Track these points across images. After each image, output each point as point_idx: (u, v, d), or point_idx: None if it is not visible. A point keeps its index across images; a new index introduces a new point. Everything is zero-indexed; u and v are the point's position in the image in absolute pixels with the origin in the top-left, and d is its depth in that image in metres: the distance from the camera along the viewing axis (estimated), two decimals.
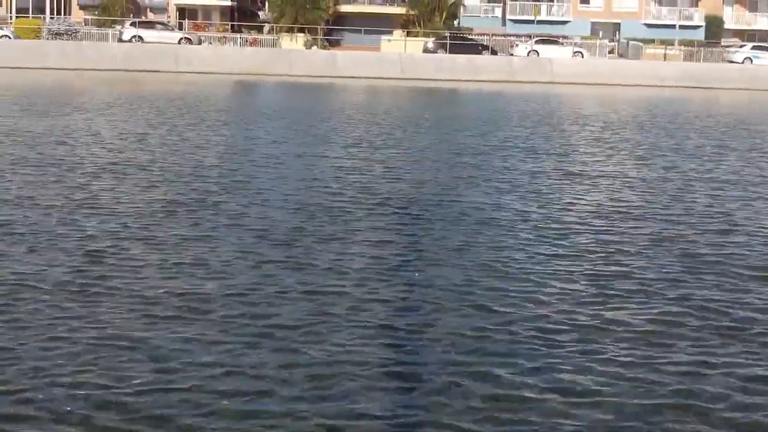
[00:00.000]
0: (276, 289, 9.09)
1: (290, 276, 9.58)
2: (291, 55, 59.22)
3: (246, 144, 20.74)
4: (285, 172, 16.44)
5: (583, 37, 68.21)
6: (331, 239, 11.28)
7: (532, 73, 57.50)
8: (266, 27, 70.51)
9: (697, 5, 74.48)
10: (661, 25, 72.86)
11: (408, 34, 64.66)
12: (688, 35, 69.66)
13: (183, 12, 75.55)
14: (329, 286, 9.29)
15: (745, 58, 61.99)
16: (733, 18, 75.06)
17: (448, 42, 61.52)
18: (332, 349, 7.55)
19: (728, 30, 73.37)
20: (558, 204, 14.36)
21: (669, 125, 29.64)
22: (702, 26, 72.61)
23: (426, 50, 61.70)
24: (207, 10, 76.75)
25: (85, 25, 66.82)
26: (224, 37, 66.05)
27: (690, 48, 65.29)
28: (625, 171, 18.50)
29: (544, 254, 10.98)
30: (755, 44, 65.20)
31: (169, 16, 74.50)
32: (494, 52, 62.68)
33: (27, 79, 45.84)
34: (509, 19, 74.77)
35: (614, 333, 8.27)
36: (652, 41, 66.94)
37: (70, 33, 62.64)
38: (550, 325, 8.41)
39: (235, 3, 76.45)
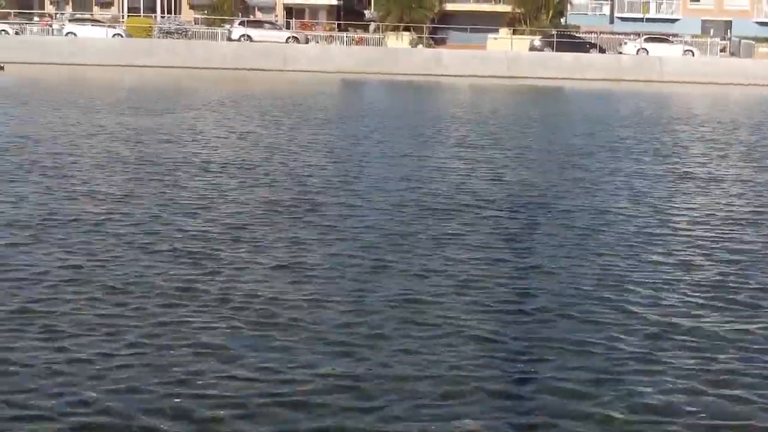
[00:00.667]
0: (377, 295, 8.81)
1: (391, 280, 9.33)
2: (396, 54, 59.30)
3: (350, 143, 20.70)
4: (388, 173, 16.25)
5: (693, 36, 66.76)
6: (432, 243, 11.00)
7: (640, 71, 56.53)
8: (372, 26, 70.71)
9: None
10: None
11: (514, 32, 64.15)
12: None
13: (290, 11, 76.25)
14: (431, 292, 9.00)
15: None
16: None
17: (555, 40, 60.86)
18: (430, 359, 7.24)
19: None
20: (669, 208, 13.92)
21: None
22: None
23: (533, 48, 61.14)
24: (314, 9, 77.30)
25: (195, 24, 67.93)
26: (330, 35, 66.46)
27: None
28: (739, 174, 17.95)
29: (655, 261, 10.52)
30: None
31: (277, 16, 75.27)
32: (602, 51, 61.77)
33: (138, 77, 46.80)
34: (617, 17, 73.66)
35: (734, 344, 7.85)
36: (765, 40, 65.19)
37: (180, 32, 63.73)
38: (667, 337, 7.97)
39: (342, 2, 76.88)
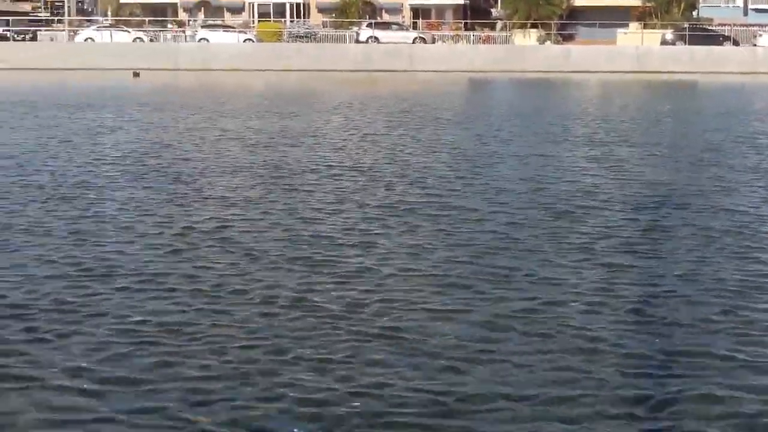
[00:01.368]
0: (497, 305, 8.41)
1: (513, 288, 8.96)
2: (524, 51, 58.86)
3: (476, 143, 20.52)
4: (515, 174, 15.91)
5: None
6: (558, 247, 10.53)
7: None
8: (499, 24, 70.34)
9: None
10: None
11: (644, 26, 62.94)
12: None
13: (417, 12, 76.39)
14: (556, 301, 8.54)
15: None
16: None
17: (687, 33, 59.46)
18: (555, 376, 6.81)
19: None
20: None
21: None
22: None
23: (664, 42, 59.86)
24: (440, 9, 77.29)
25: (324, 27, 68.66)
26: (457, 35, 66.32)
27: None
28: None
29: None
30: None
31: (404, 16, 75.52)
32: (736, 43, 60.08)
33: (268, 82, 47.56)
34: (751, 9, 71.56)
35: None
36: None
37: (309, 35, 64.54)
38: None
39: (468, 1, 76.67)
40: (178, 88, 44.03)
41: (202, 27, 68.23)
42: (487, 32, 66.88)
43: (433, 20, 75.09)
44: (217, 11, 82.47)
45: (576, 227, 11.62)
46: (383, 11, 77.70)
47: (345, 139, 20.88)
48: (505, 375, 6.77)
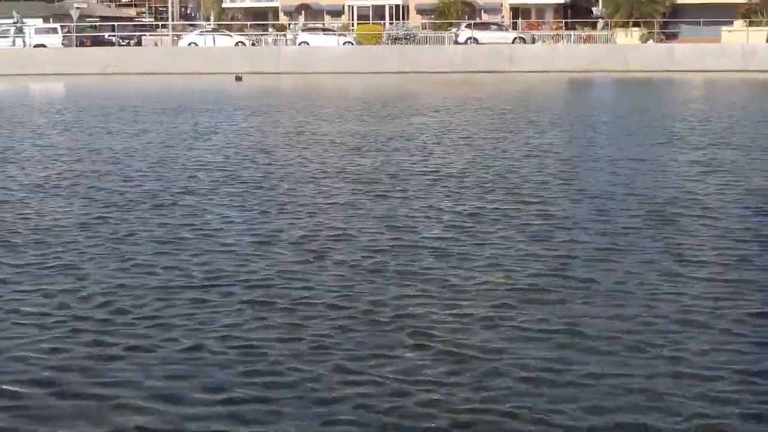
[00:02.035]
0: (592, 324, 7.94)
1: (612, 304, 8.47)
2: (626, 51, 58.08)
3: (577, 146, 20.19)
4: (617, 177, 15.56)
5: None
6: (662, 257, 10.06)
7: None
8: (600, 23, 69.57)
9: None
10: None
11: (750, 23, 61.55)
12: None
13: (516, 11, 76.03)
14: (661, 321, 8.00)
15: None
16: None
17: None
18: (669, 405, 6.55)
19: None
20: None
21: None
22: None
23: None
24: (540, 9, 76.81)
25: (423, 29, 68.78)
26: (558, 34, 65.83)
27: None
28: None
29: None
30: None
31: (503, 17, 75.22)
32: None
33: (369, 84, 47.80)
34: None
35: None
36: None
37: (408, 37, 64.71)
38: None
39: (568, 1, 75.99)
40: (279, 91, 44.55)
41: (303, 30, 68.94)
42: (588, 31, 66.23)
43: (533, 20, 74.66)
44: (317, 14, 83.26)
45: (680, 236, 11.14)
46: (482, 12, 77.47)
47: (442, 143, 20.80)
48: (593, 398, 6.45)
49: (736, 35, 60.02)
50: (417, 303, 8.47)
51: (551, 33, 67.60)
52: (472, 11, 76.78)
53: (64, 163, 17.95)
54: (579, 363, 7.03)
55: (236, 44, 64.27)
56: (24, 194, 14.19)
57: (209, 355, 7.17)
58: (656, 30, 63.74)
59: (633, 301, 8.52)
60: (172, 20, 79.36)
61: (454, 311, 8.22)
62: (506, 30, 67.13)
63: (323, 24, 76.63)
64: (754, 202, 13.49)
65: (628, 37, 62.46)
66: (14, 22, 71.78)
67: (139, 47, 68.36)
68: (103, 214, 12.47)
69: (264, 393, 6.45)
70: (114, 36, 70.80)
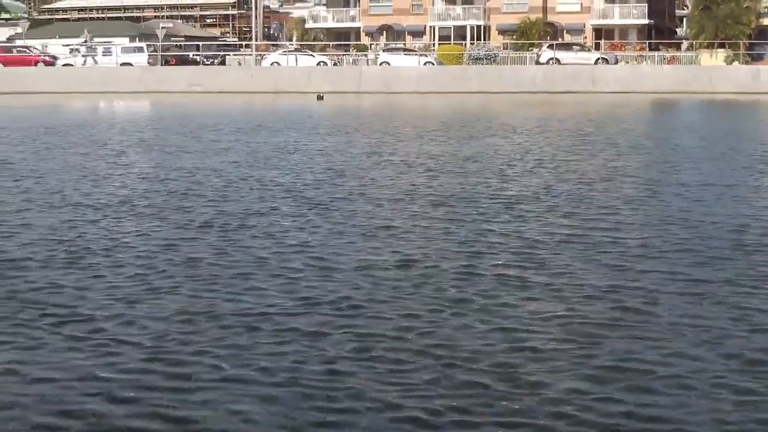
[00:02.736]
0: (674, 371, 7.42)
1: (692, 340, 7.98)
2: (711, 72, 57.22)
3: (662, 171, 19.69)
4: (700, 204, 15.07)
5: None
6: (754, 292, 9.40)
7: None
8: (684, 44, 68.69)
9: None
10: None
11: None
12: None
13: (599, 32, 75.44)
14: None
15: None
16: None
17: None
18: None
19: None
20: None
21: None
22: None
23: None
24: (623, 30, 76.11)
25: (504, 49, 68.61)
26: (641, 55, 65.15)
27: None
28: None
29: None
30: None
31: (586, 37, 74.69)
32: None
33: (450, 104, 47.78)
34: None
35: None
36: None
37: (489, 57, 64.57)
38: None
39: (653, 21, 75.17)
40: (360, 111, 44.75)
41: (384, 50, 69.20)
42: (672, 52, 65.41)
43: (616, 41, 73.97)
44: (399, 35, 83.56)
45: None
46: (565, 32, 77.00)
47: (519, 165, 20.54)
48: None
49: None
50: (485, 335, 8.28)
51: (635, 54, 66.88)
52: (555, 32, 76.34)
53: (143, 182, 18.01)
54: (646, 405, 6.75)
55: (318, 64, 64.77)
56: (101, 213, 14.17)
57: (303, 388, 6.85)
58: (741, 51, 62.70)
59: (726, 339, 7.92)
60: (256, 40, 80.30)
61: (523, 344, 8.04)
62: (589, 51, 66.61)
63: (404, 44, 76.87)
64: None
65: (713, 59, 61.54)
66: (84, 41, 73.39)
67: (223, 66, 69.28)
68: (181, 235, 12.38)
69: (353, 419, 6.39)
70: (198, 55, 71.84)
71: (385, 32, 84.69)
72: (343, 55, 71.15)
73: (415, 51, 68.99)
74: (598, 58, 63.02)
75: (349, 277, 10.02)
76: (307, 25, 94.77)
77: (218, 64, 70.40)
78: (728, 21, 64.09)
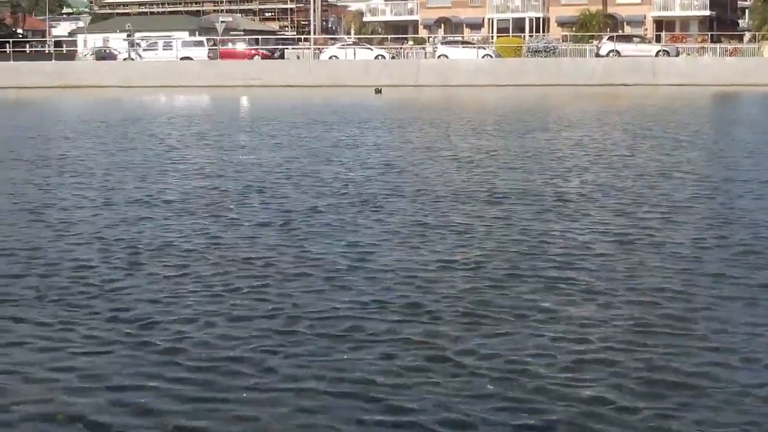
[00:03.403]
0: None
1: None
2: None
3: (722, 167, 19.23)
4: (758, 202, 14.67)
5: None
6: None
7: None
8: (747, 35, 67.65)
9: None
10: None
11: None
12: None
13: (660, 24, 74.60)
14: None
15: None
16: None
17: None
18: None
19: None
20: None
21: None
22: None
23: None
24: (685, 22, 75.20)
25: (563, 41, 68.17)
26: (702, 47, 64.34)
27: None
28: None
29: None
30: None
31: (646, 29, 73.91)
32: None
33: (508, 97, 47.57)
34: None
35: None
36: None
37: (548, 50, 64.19)
38: None
39: (714, 13, 74.15)
40: (418, 104, 44.67)
41: (442, 43, 69.09)
42: (734, 44, 64.46)
43: (677, 32, 73.08)
44: (457, 27, 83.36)
45: None
46: (625, 24, 76.26)
47: (576, 159, 20.31)
48: None
49: None
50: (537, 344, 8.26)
51: (696, 46, 66.03)
52: (615, 24, 75.64)
53: (199, 178, 17.91)
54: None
55: (376, 57, 64.82)
56: (156, 211, 14.11)
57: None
58: None
59: None
60: (314, 34, 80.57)
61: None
62: (649, 43, 65.92)
63: (462, 37, 76.63)
64: None
65: None
66: (128, 36, 74.20)
67: (282, 60, 69.63)
68: (238, 234, 12.35)
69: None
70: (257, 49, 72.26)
71: (442, 25, 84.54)
72: (400, 48, 71.13)
73: (474, 43, 68.75)
74: (659, 51, 62.32)
75: (400, 278, 9.83)
76: (364, 19, 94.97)
77: (277, 58, 70.76)
78: None
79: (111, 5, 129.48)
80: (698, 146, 23.33)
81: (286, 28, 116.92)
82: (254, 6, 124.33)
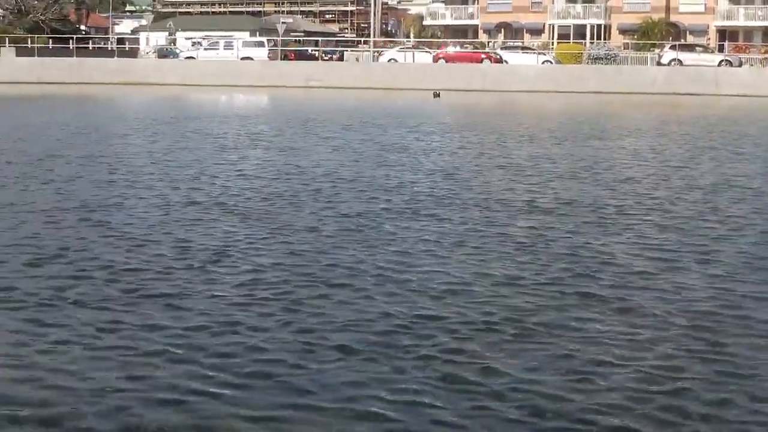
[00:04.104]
0: None
1: None
2: None
3: None
4: None
5: None
6: None
7: None
8: None
9: None
10: None
11: None
12: None
13: (723, 34, 73.66)
14: None
15: None
16: None
17: None
18: None
19: None
20: None
21: None
22: None
23: None
24: (748, 32, 74.22)
25: (624, 49, 67.56)
26: (766, 58, 63.43)
27: None
28: None
29: None
30: None
31: (709, 39, 73.03)
32: None
33: (567, 103, 47.23)
34: None
35: None
36: None
37: (609, 57, 63.66)
38: None
39: None
40: (476, 109, 44.50)
41: (502, 48, 68.80)
42: None
43: (740, 43, 72.09)
44: (517, 33, 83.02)
45: None
46: (687, 33, 75.43)
47: (636, 170, 20.03)
48: None
49: None
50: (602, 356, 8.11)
51: (759, 57, 65.05)
52: (677, 32, 74.85)
53: (251, 180, 17.80)
54: None
55: (437, 61, 64.67)
56: (201, 213, 14.06)
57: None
58: None
59: None
60: (374, 37, 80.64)
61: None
62: (712, 52, 65.08)
63: (522, 42, 76.26)
64: None
65: None
66: (169, 34, 74.93)
67: (341, 62, 69.81)
68: (287, 238, 12.24)
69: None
70: (317, 50, 72.55)
71: (503, 30, 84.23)
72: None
73: (534, 49, 68.39)
74: (722, 60, 61.50)
75: (451, 292, 9.65)
76: (424, 22, 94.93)
77: (336, 60, 70.96)
78: None
79: (173, 4, 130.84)
80: (760, 159, 22.93)
81: (346, 31, 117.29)
82: (315, 8, 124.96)
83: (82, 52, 71.15)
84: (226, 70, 61.77)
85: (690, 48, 65.27)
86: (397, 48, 71.55)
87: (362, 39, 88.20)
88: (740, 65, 61.30)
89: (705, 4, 76.92)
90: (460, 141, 26.58)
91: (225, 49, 68.19)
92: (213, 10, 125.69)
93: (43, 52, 67.76)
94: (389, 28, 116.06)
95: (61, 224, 12.83)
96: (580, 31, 79.26)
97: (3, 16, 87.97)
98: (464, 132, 29.59)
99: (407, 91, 54.69)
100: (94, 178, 17.51)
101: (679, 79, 56.47)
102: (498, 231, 12.86)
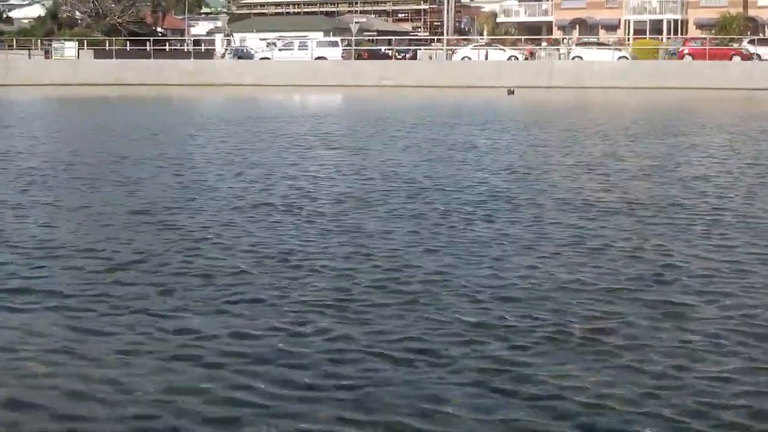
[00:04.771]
0: None
1: None
2: None
3: None
4: None
5: None
6: None
7: None
8: None
9: None
10: None
11: None
12: None
13: None
14: None
15: None
16: None
17: None
18: None
19: None
20: None
21: None
22: None
23: None
24: None
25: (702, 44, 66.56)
26: None
27: None
28: None
29: None
30: None
31: None
32: None
33: (644, 100, 46.69)
34: None
35: None
36: None
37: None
38: None
39: None
40: (550, 106, 44.17)
41: (577, 45, 68.21)
42: None
43: None
44: (592, 29, 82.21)
45: None
46: (766, 27, 73.99)
47: (713, 169, 19.61)
48: None
49: None
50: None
51: None
52: (755, 27, 73.46)
53: (320, 181, 17.68)
54: None
55: (509, 58, 64.38)
56: (252, 214, 13.89)
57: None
58: None
59: None
60: (447, 35, 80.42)
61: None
62: None
63: (598, 38, 75.47)
64: None
65: None
66: (225, 35, 75.65)
67: (414, 61, 69.79)
68: (354, 241, 12.14)
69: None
70: (390, 49, 72.61)
71: (577, 26, 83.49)
72: (535, 48, 70.49)
73: (609, 45, 67.63)
74: None
75: (520, 298, 9.50)
76: (498, 20, 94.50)
77: (410, 59, 70.95)
78: None
79: (248, 5, 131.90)
80: None
81: (419, 29, 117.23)
82: (388, 7, 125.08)
83: (159, 53, 72.13)
84: (301, 71, 62.19)
85: None
86: (470, 46, 71.31)
87: (435, 37, 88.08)
88: None
89: None
90: (537, 137, 26.37)
91: (299, 49, 68.65)
92: (287, 10, 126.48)
93: (121, 54, 68.88)
94: (462, 26, 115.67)
95: (139, 229, 12.89)
96: (656, 27, 78.17)
97: (81, 20, 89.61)
98: (535, 129, 29.34)
99: (481, 89, 54.49)
100: (162, 181, 17.42)
101: (758, 74, 55.48)
102: (571, 233, 12.54)
